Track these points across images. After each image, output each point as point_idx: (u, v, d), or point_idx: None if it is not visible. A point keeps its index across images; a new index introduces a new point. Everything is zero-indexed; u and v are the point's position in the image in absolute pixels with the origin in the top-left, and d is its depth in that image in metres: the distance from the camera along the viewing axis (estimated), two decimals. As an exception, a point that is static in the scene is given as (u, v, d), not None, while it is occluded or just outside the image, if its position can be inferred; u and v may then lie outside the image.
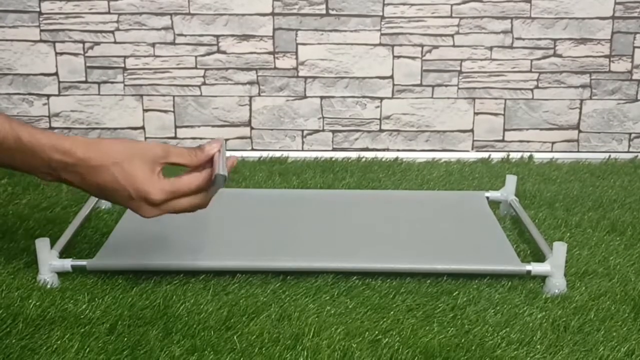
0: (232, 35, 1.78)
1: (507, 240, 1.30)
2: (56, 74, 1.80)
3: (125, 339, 1.04)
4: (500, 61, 1.81)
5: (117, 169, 0.97)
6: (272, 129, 1.85)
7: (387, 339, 1.04)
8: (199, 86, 1.82)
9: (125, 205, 1.01)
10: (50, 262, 1.18)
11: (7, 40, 1.77)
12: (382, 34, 1.79)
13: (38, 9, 1.75)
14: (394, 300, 1.15)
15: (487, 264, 1.21)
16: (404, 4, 1.76)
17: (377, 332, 1.06)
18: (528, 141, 1.86)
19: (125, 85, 1.81)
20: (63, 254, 1.24)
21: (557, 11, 1.77)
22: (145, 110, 1.83)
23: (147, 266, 1.21)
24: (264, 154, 1.83)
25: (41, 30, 1.77)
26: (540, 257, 1.25)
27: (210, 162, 1.03)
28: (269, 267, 1.21)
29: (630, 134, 1.86)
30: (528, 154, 1.85)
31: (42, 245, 1.18)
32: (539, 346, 1.03)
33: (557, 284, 1.17)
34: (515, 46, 1.80)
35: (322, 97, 1.83)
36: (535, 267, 1.19)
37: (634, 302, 1.14)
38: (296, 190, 1.58)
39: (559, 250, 1.17)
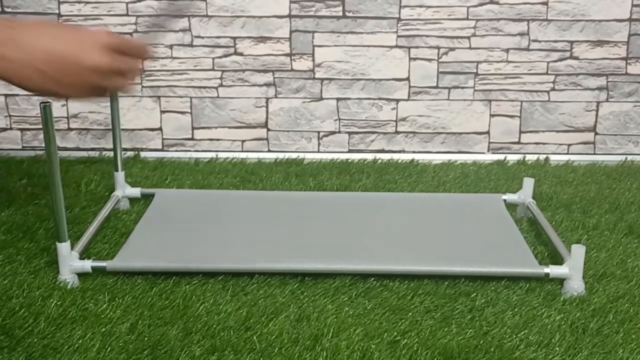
0: (249, 37, 1.79)
1: (525, 242, 1.30)
2: (74, 75, 1.81)
3: (146, 338, 1.04)
4: (516, 63, 1.81)
5: (58, 26, 0.84)
6: (288, 131, 1.85)
7: (405, 340, 1.04)
8: (216, 88, 1.83)
9: (76, 65, 0.85)
10: (71, 263, 1.19)
11: (26, 42, 1.78)
12: (398, 36, 1.79)
13: (57, 11, 1.76)
14: (412, 302, 1.15)
15: (505, 267, 1.22)
16: (420, 6, 1.76)
17: (395, 334, 1.06)
18: (544, 143, 1.86)
19: (143, 86, 1.82)
20: (83, 254, 1.25)
21: (574, 13, 1.77)
22: (162, 112, 1.84)
23: (166, 268, 1.22)
24: (280, 155, 1.84)
25: (60, 32, 1.78)
26: (558, 260, 1.25)
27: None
28: (287, 269, 1.22)
29: (647, 136, 1.86)
30: (544, 156, 1.84)
31: (62, 246, 1.19)
32: (557, 348, 1.03)
33: (576, 286, 1.17)
34: (531, 48, 1.80)
35: (338, 99, 1.83)
36: (553, 270, 1.19)
37: (653, 305, 1.14)
38: (313, 193, 1.58)
39: (578, 252, 1.17)
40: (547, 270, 1.19)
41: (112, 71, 0.85)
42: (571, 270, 1.18)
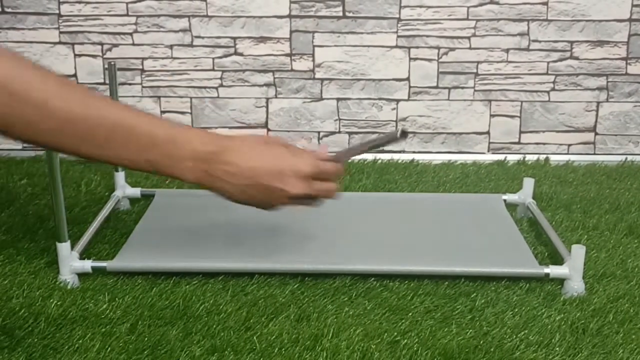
0: (249, 37, 1.79)
1: (525, 242, 1.30)
2: (75, 75, 1.82)
3: (146, 338, 1.04)
4: (516, 63, 1.81)
5: (264, 147, 0.92)
6: (288, 131, 1.86)
7: (405, 341, 1.04)
8: (216, 88, 1.83)
9: (273, 190, 0.92)
10: (71, 263, 1.20)
11: (26, 42, 1.79)
12: (398, 36, 1.79)
13: (57, 11, 1.77)
14: (412, 302, 1.15)
15: (505, 267, 1.22)
16: (420, 6, 1.76)
17: (395, 334, 1.06)
18: (544, 143, 1.86)
19: (143, 87, 1.82)
20: (83, 255, 1.25)
21: (574, 13, 1.77)
22: (162, 112, 1.84)
23: (167, 268, 1.22)
24: (281, 155, 1.83)
25: (60, 32, 1.78)
26: (558, 260, 1.25)
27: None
28: (287, 269, 1.22)
29: (647, 136, 1.86)
30: (544, 156, 1.84)
31: (62, 246, 1.19)
32: (557, 348, 1.03)
33: (576, 286, 1.17)
34: (531, 48, 1.80)
35: (338, 99, 1.83)
36: (553, 270, 1.19)
37: (653, 305, 1.14)
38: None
39: (578, 253, 1.17)
40: (547, 270, 1.19)
41: (305, 198, 0.93)
42: (571, 270, 1.18)
